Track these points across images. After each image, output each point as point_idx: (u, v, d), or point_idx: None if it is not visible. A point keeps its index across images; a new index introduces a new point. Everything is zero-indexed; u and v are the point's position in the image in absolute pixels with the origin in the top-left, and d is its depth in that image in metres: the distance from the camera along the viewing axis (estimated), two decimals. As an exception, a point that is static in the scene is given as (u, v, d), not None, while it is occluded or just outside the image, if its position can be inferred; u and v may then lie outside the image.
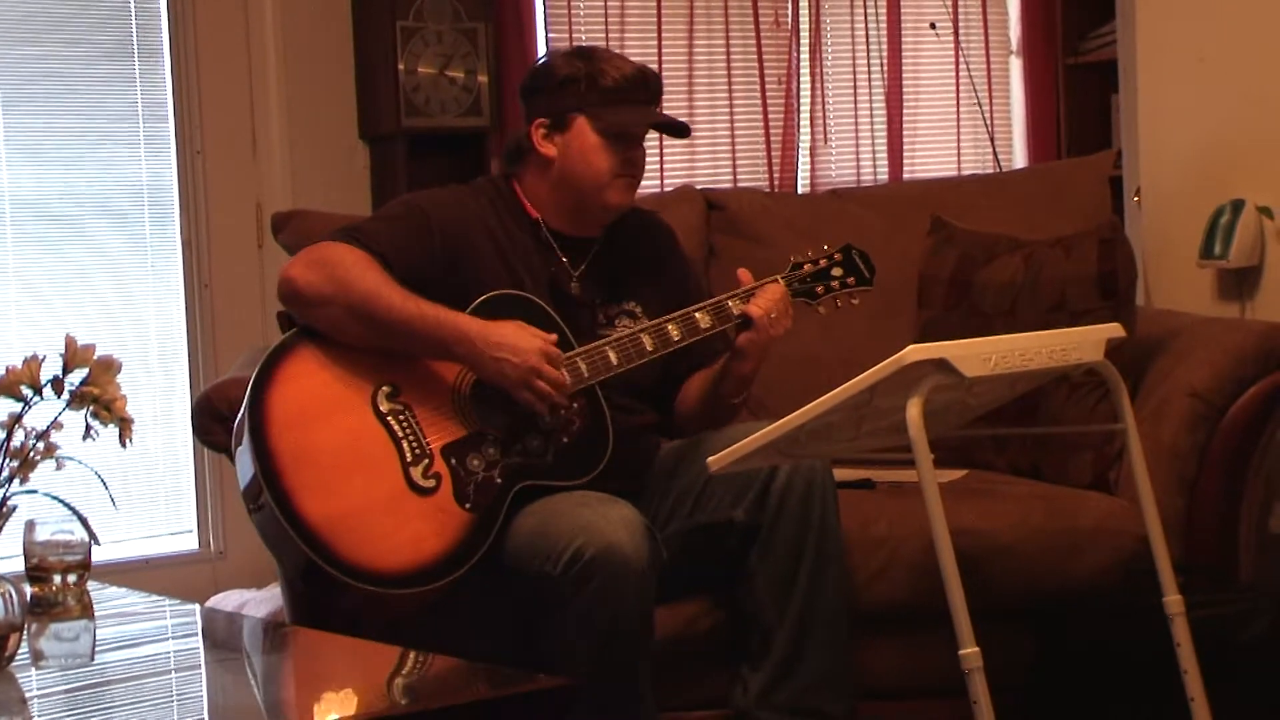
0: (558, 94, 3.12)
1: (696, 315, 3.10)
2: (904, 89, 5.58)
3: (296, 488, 2.85)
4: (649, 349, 3.06)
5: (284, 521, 2.82)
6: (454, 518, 2.90)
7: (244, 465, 2.91)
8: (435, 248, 3.06)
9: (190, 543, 4.69)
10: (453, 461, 2.94)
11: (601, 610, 2.81)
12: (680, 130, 3.23)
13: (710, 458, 2.82)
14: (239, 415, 2.94)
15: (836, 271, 3.22)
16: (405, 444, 2.94)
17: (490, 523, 2.92)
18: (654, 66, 5.10)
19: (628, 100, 3.12)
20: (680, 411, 3.25)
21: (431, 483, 2.92)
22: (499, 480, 2.95)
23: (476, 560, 2.88)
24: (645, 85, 3.15)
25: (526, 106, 3.20)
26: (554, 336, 2.99)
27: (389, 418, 2.95)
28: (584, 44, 3.25)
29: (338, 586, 2.82)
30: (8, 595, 2.29)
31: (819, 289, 3.20)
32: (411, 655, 2.35)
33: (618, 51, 3.26)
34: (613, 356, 3.04)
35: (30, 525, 2.49)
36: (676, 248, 3.36)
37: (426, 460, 2.93)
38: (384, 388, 2.98)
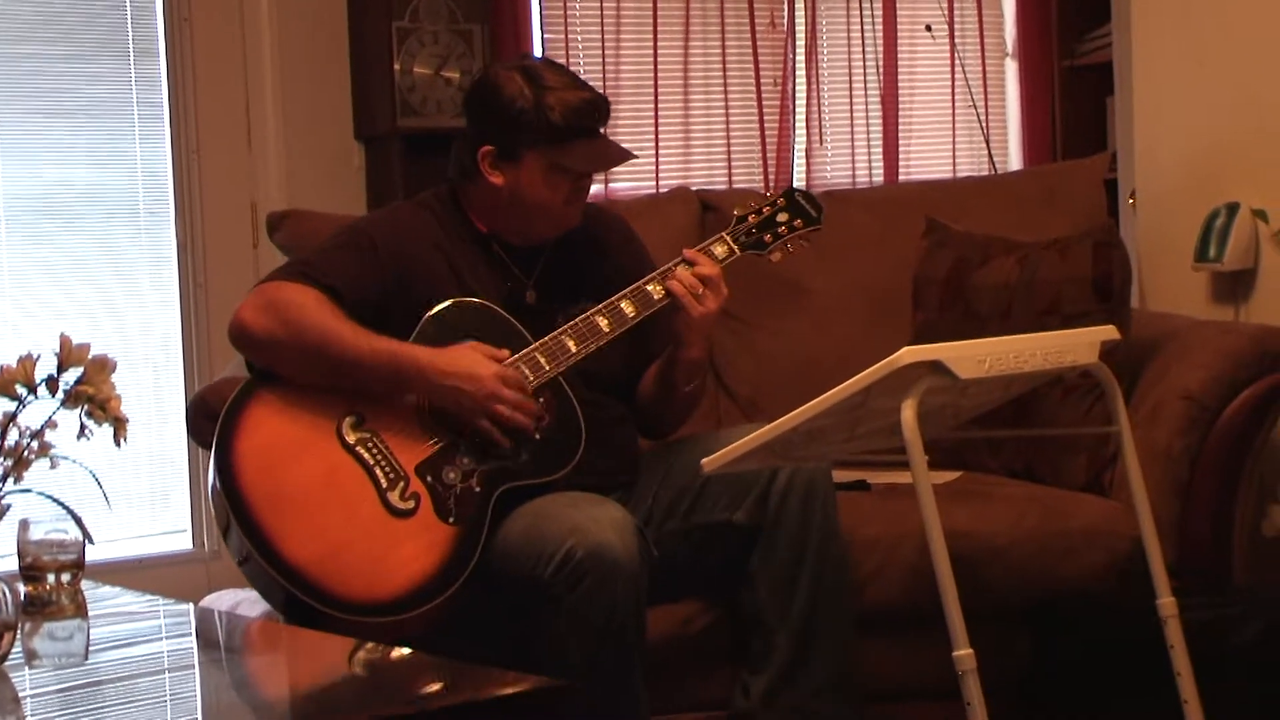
0: (506, 127, 3.06)
1: (648, 288, 3.07)
2: (899, 91, 5.59)
3: (277, 536, 2.84)
4: (606, 329, 3.04)
5: (272, 571, 2.81)
6: (439, 533, 2.89)
7: (222, 521, 2.90)
8: (385, 272, 3.05)
9: (184, 542, 4.69)
10: (429, 479, 2.93)
11: (594, 611, 2.81)
12: (626, 158, 3.19)
13: (704, 459, 2.82)
14: (209, 475, 2.92)
15: (782, 217, 3.21)
16: (378, 470, 2.93)
17: (477, 532, 2.91)
18: (649, 68, 5.16)
19: (577, 134, 3.06)
20: (639, 398, 3.22)
21: (410, 504, 2.91)
22: (478, 488, 2.94)
23: (468, 574, 2.87)
24: (594, 114, 3.09)
25: (472, 126, 3.15)
26: (505, 353, 2.98)
27: (357, 447, 2.94)
28: (528, 59, 3.17)
29: (339, 623, 2.81)
30: (1, 594, 2.28)
31: (767, 238, 3.19)
32: (408, 656, 2.35)
33: (563, 67, 3.18)
34: (571, 344, 3.02)
35: (24, 524, 2.48)
36: (627, 236, 3.31)
37: (402, 482, 2.92)
38: (348, 418, 2.96)
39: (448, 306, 3.04)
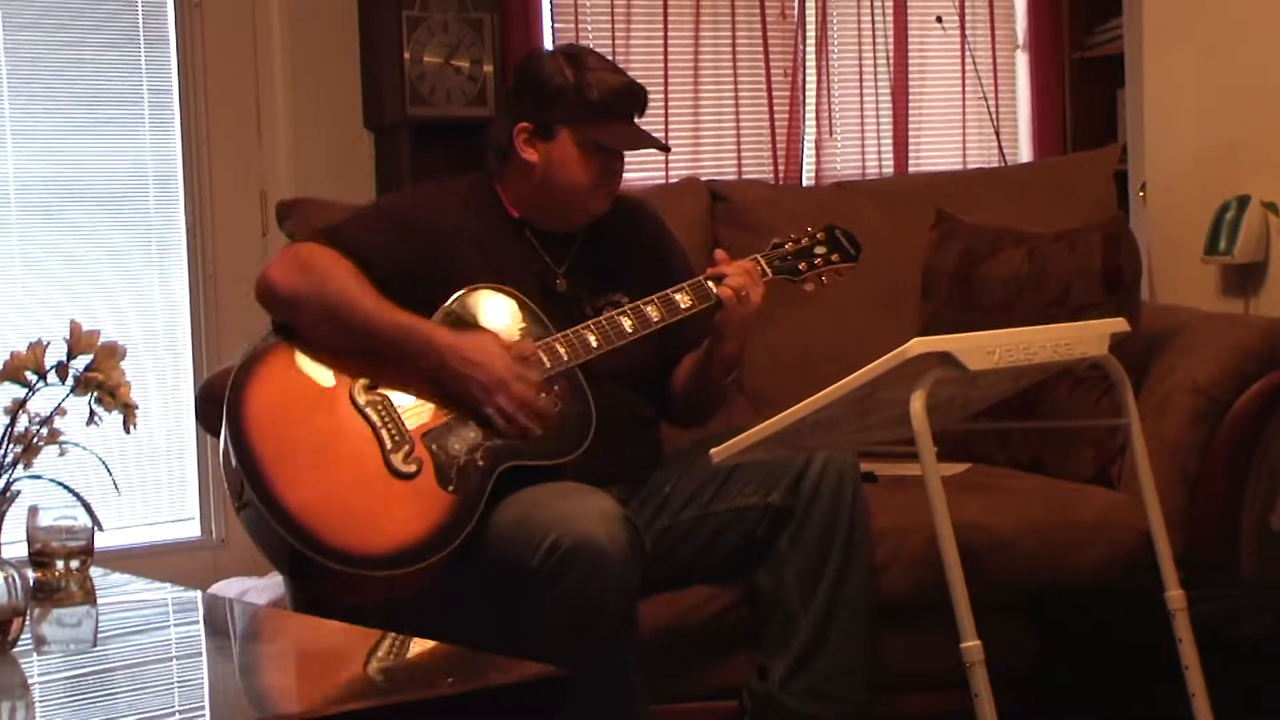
0: (544, 103, 3.12)
1: (676, 296, 3.10)
2: (909, 82, 5.58)
3: (278, 481, 2.85)
4: (629, 330, 3.07)
5: (266, 513, 2.83)
6: (437, 500, 2.91)
7: (227, 465, 2.92)
8: (415, 245, 3.07)
9: (193, 530, 4.69)
10: (434, 447, 2.95)
11: (579, 601, 2.81)
12: (660, 149, 3.25)
13: (713, 449, 2.82)
14: (222, 419, 2.95)
15: (820, 250, 3.24)
16: (385, 432, 2.94)
17: (474, 505, 2.92)
18: (659, 59, 5.15)
19: (613, 115, 3.12)
20: (673, 394, 3.26)
21: (413, 468, 2.92)
22: (481, 462, 2.95)
23: (461, 542, 2.88)
24: (632, 99, 3.15)
25: (510, 105, 3.21)
26: (529, 345, 3.00)
27: (367, 409, 2.96)
28: (573, 45, 3.27)
29: (327, 575, 2.82)
30: (11, 580, 2.28)
31: (801, 265, 3.22)
32: (410, 643, 2.35)
33: (607, 57, 3.24)
34: (592, 339, 3.05)
35: (34, 510, 2.49)
36: (661, 232, 3.35)
37: (407, 447, 2.94)
38: (361, 380, 2.99)
39: (473, 290, 3.06)
